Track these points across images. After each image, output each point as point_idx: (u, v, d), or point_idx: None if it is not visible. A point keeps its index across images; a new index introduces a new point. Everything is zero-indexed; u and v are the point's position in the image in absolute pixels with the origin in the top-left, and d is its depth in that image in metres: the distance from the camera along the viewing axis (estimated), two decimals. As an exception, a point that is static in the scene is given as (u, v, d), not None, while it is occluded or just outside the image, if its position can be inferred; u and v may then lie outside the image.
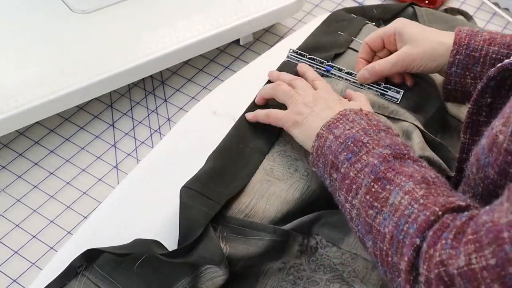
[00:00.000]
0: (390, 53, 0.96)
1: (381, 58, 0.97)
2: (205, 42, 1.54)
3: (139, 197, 0.87)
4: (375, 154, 0.72)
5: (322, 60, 1.00)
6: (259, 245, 0.78)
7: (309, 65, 0.99)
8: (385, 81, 0.98)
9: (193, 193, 0.82)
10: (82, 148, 1.47)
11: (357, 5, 1.77)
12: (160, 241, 0.79)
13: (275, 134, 0.90)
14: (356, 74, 0.98)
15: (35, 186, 1.40)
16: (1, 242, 1.32)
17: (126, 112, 1.54)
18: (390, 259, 0.65)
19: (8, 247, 1.31)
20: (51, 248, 1.31)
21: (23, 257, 1.30)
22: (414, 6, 1.17)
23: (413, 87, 0.99)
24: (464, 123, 0.76)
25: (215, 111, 0.96)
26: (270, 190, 0.85)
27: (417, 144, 0.90)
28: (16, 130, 1.45)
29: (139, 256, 0.76)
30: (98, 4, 1.58)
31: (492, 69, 0.71)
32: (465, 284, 0.55)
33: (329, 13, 1.14)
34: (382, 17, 1.14)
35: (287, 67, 0.99)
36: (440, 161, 0.90)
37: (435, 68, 0.93)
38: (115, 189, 0.91)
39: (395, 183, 0.68)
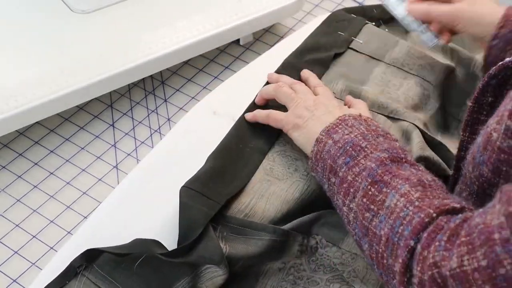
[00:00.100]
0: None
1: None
2: (205, 42, 1.54)
3: (139, 197, 0.87)
4: (372, 158, 0.72)
5: None
6: (259, 245, 0.79)
7: None
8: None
9: (193, 193, 0.82)
10: (82, 148, 1.47)
11: (357, 5, 1.77)
12: (160, 241, 0.79)
13: (275, 134, 0.90)
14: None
15: (35, 186, 1.40)
16: (1, 242, 1.32)
17: (126, 112, 1.54)
18: (385, 261, 0.65)
19: (8, 247, 1.31)
20: (51, 248, 1.31)
21: (23, 257, 1.30)
22: (414, 6, 1.16)
23: (413, 87, 0.99)
24: (464, 121, 0.76)
25: (215, 111, 0.96)
26: (270, 190, 0.85)
27: (417, 144, 0.90)
28: (16, 130, 1.45)
29: (139, 256, 0.76)
30: (98, 4, 1.58)
31: (494, 67, 0.71)
32: (457, 285, 0.55)
33: (329, 13, 1.14)
34: (382, 17, 1.14)
35: (287, 69, 0.99)
36: (440, 160, 0.90)
37: (479, 33, 0.93)
38: (115, 189, 0.91)
39: (391, 186, 0.68)
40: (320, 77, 0.98)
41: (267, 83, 0.97)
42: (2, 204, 1.37)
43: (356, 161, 0.73)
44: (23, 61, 1.47)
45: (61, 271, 0.77)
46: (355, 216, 0.70)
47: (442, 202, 0.64)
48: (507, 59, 0.69)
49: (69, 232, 1.33)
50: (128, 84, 1.56)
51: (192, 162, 0.87)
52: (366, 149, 0.74)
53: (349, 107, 0.90)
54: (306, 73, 0.97)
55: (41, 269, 1.25)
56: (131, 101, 1.56)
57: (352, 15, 1.12)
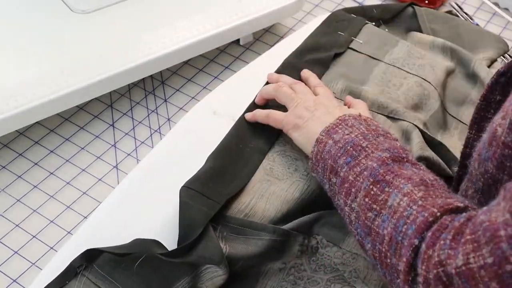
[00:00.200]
0: None
1: None
2: (205, 42, 1.54)
3: (139, 197, 0.87)
4: (374, 158, 0.72)
5: None
6: (259, 245, 0.78)
7: None
8: None
9: (193, 192, 0.82)
10: (82, 148, 1.47)
11: (357, 5, 1.76)
12: (160, 241, 0.79)
13: (275, 134, 0.90)
14: None
15: (35, 186, 1.40)
16: (1, 242, 1.32)
17: (126, 112, 1.54)
18: (389, 260, 0.65)
19: (8, 247, 1.31)
20: (51, 248, 1.31)
21: (23, 257, 1.30)
22: (414, 6, 1.17)
23: (413, 87, 0.98)
24: (472, 118, 0.76)
25: (215, 111, 0.96)
26: (270, 190, 0.85)
27: (417, 144, 0.90)
28: (16, 130, 1.45)
29: (139, 256, 0.76)
30: (98, 4, 1.58)
31: (503, 64, 0.71)
32: (463, 283, 0.55)
33: (329, 13, 1.14)
34: (382, 17, 1.14)
35: (287, 69, 0.99)
36: (440, 160, 0.90)
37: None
38: (115, 189, 0.91)
39: (394, 186, 0.68)
40: (320, 77, 0.98)
41: (267, 83, 0.97)
42: (2, 204, 1.37)
43: (357, 161, 0.73)
44: (23, 61, 1.47)
45: (61, 271, 0.77)
46: (357, 216, 0.70)
47: (446, 201, 0.63)
48: None
49: (69, 232, 1.33)
50: (128, 84, 1.56)
51: (192, 162, 0.87)
52: (367, 148, 0.74)
53: (349, 107, 0.90)
54: (306, 73, 0.97)
55: (41, 269, 1.25)
56: (131, 101, 1.56)
57: (352, 15, 1.12)
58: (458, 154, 0.83)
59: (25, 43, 1.50)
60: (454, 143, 0.96)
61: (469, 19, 1.29)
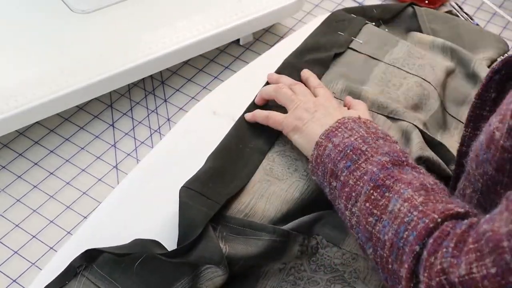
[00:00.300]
0: None
1: None
2: (205, 42, 1.54)
3: (139, 197, 0.87)
4: (374, 162, 0.72)
5: None
6: (259, 245, 0.78)
7: None
8: None
9: (192, 193, 0.82)
10: (82, 148, 1.47)
11: (357, 5, 1.76)
12: (160, 241, 0.79)
13: (274, 134, 0.90)
14: None
15: (35, 186, 1.40)
16: (1, 242, 1.32)
17: (126, 112, 1.54)
18: (390, 266, 0.65)
19: (8, 247, 1.31)
20: (51, 248, 1.31)
21: (23, 257, 1.30)
22: (414, 6, 1.17)
23: (413, 87, 0.98)
24: (467, 116, 0.76)
25: (215, 111, 0.96)
26: (270, 190, 0.85)
27: (417, 144, 0.90)
28: (16, 130, 1.45)
29: (138, 256, 0.76)
30: (98, 4, 1.58)
31: (498, 61, 0.71)
32: None
33: (329, 13, 1.14)
34: (382, 17, 1.14)
35: (287, 69, 0.99)
36: (440, 160, 0.90)
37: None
38: (115, 189, 0.91)
39: (394, 191, 0.68)
40: (320, 77, 0.98)
41: (267, 83, 0.97)
42: (2, 204, 1.37)
43: (357, 165, 0.73)
44: (23, 61, 1.47)
45: (61, 271, 0.77)
46: (358, 220, 0.70)
47: (446, 206, 0.63)
48: (511, 53, 0.69)
49: (69, 232, 1.33)
50: (128, 84, 1.55)
51: (192, 162, 0.87)
52: (366, 152, 0.74)
53: (348, 108, 0.90)
54: (306, 73, 0.97)
55: (41, 269, 1.25)
56: (131, 101, 1.56)
57: (352, 15, 1.12)
58: (457, 154, 0.83)
59: (25, 43, 1.50)
60: (454, 143, 0.96)
61: (469, 19, 1.30)
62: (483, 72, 1.04)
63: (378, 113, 0.94)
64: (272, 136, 0.90)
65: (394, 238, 0.64)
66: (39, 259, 1.30)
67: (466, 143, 0.76)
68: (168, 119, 1.53)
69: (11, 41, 1.51)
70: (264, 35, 1.71)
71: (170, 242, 0.80)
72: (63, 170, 1.43)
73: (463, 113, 1.02)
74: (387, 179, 0.69)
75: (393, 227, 0.65)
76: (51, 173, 1.42)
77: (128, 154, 1.46)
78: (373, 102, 0.95)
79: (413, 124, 0.93)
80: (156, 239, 0.79)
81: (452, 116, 1.01)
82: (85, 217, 1.35)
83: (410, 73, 1.00)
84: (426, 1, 1.71)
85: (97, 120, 1.52)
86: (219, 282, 0.76)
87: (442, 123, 1.00)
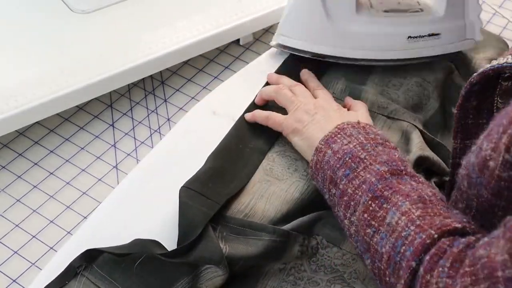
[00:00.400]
0: None
1: None
2: (205, 42, 1.54)
3: (139, 197, 0.87)
4: (372, 171, 0.72)
5: None
6: (259, 245, 0.78)
7: None
8: None
9: (192, 193, 0.82)
10: (82, 148, 1.47)
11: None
12: (160, 241, 0.79)
13: (274, 134, 0.90)
14: None
15: (35, 186, 1.40)
16: (1, 242, 1.32)
17: (126, 112, 1.54)
18: (387, 279, 0.66)
19: (8, 247, 1.31)
20: (51, 248, 1.31)
21: (23, 257, 1.30)
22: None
23: (413, 87, 0.98)
24: (453, 129, 0.76)
25: (215, 111, 0.96)
26: (270, 190, 0.85)
27: (417, 144, 0.90)
28: (16, 130, 1.45)
29: (138, 256, 0.76)
30: (98, 4, 1.58)
31: (475, 74, 0.71)
32: None
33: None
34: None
35: (287, 70, 0.99)
36: (440, 160, 0.90)
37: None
38: (115, 189, 0.91)
39: (392, 202, 0.68)
40: (320, 77, 0.98)
41: (267, 83, 0.97)
42: (2, 204, 1.37)
43: (355, 173, 0.73)
44: (23, 61, 1.47)
45: (61, 271, 0.77)
46: (357, 230, 0.71)
47: (444, 222, 0.64)
48: (488, 66, 0.69)
49: (69, 232, 1.33)
50: (128, 84, 1.56)
51: (192, 162, 0.87)
52: (365, 160, 0.74)
53: (348, 109, 0.90)
54: (305, 74, 0.97)
55: (41, 269, 1.25)
56: (131, 101, 1.56)
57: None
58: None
59: (25, 43, 1.50)
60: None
61: (469, 19, 1.29)
62: (484, 72, 1.03)
63: (378, 113, 0.94)
64: (272, 136, 0.90)
65: (392, 252, 0.65)
66: (39, 259, 1.30)
67: (458, 155, 0.76)
68: (168, 119, 1.53)
69: (11, 41, 1.51)
70: (264, 35, 1.71)
71: (170, 242, 0.80)
72: (63, 170, 1.43)
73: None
74: (385, 190, 0.70)
75: (390, 240, 0.66)
76: (51, 173, 1.42)
77: (128, 154, 1.46)
78: (373, 102, 0.95)
79: (413, 124, 0.93)
80: (156, 239, 0.79)
81: (452, 116, 1.01)
82: (85, 217, 1.35)
83: (410, 73, 1.00)
84: (426, 1, 1.71)
85: (97, 120, 1.53)
86: (219, 282, 0.76)
87: (442, 123, 1.00)
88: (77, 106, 1.52)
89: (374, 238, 0.68)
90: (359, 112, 0.88)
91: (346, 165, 0.75)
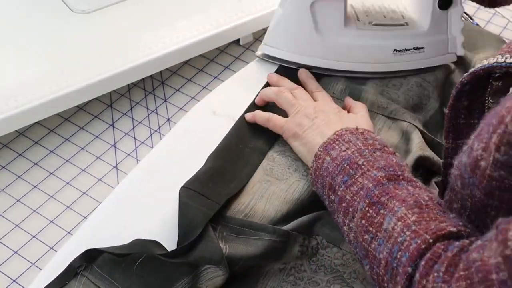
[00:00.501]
0: None
1: None
2: (205, 42, 1.54)
3: (139, 197, 0.87)
4: (369, 177, 0.72)
5: None
6: (259, 245, 0.78)
7: None
8: None
9: (192, 193, 0.82)
10: (82, 148, 1.47)
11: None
12: (160, 241, 0.79)
13: (274, 134, 0.90)
14: None
15: (35, 186, 1.40)
16: (1, 242, 1.32)
17: (126, 112, 1.54)
18: (386, 284, 0.66)
19: (8, 247, 1.31)
20: (51, 248, 1.31)
21: (23, 257, 1.30)
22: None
23: (413, 87, 0.98)
24: (445, 129, 0.76)
25: (215, 111, 0.96)
26: (270, 190, 0.85)
27: (417, 144, 0.90)
28: (16, 130, 1.45)
29: (138, 256, 0.76)
30: (98, 4, 1.58)
31: (465, 74, 0.71)
32: None
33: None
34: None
35: (287, 71, 0.99)
36: (440, 161, 0.90)
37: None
38: (115, 189, 0.91)
39: (388, 208, 0.68)
40: (320, 77, 0.98)
41: (267, 84, 0.97)
42: (2, 204, 1.37)
43: (353, 179, 0.73)
44: (23, 61, 1.47)
45: (61, 271, 0.77)
46: (355, 236, 0.71)
47: (439, 226, 0.64)
48: (478, 65, 0.70)
49: (69, 232, 1.33)
50: (128, 84, 1.56)
51: (192, 162, 0.87)
52: (363, 166, 0.74)
53: (348, 111, 0.90)
54: (303, 73, 0.96)
55: (41, 269, 1.25)
56: (131, 101, 1.56)
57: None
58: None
59: (25, 43, 1.50)
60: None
61: (469, 19, 1.29)
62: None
63: (378, 113, 0.94)
64: (272, 136, 0.90)
65: (389, 258, 0.65)
66: (39, 259, 1.30)
67: (450, 155, 0.77)
68: (168, 119, 1.53)
69: (11, 41, 1.51)
70: (264, 35, 1.71)
71: (170, 242, 0.80)
72: (63, 170, 1.43)
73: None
74: (382, 195, 0.70)
75: (387, 246, 0.66)
76: (51, 173, 1.42)
77: (128, 154, 1.46)
78: (373, 102, 0.95)
79: (413, 124, 0.93)
80: (156, 239, 0.79)
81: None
82: (85, 217, 1.35)
83: (410, 73, 1.00)
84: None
85: (97, 120, 1.53)
86: (219, 282, 0.77)
87: (442, 123, 1.00)
88: (77, 106, 1.52)
89: (372, 244, 0.68)
90: (359, 115, 0.88)
91: (344, 172, 0.75)
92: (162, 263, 0.76)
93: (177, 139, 0.95)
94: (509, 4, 0.93)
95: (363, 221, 0.70)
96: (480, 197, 0.62)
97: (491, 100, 0.73)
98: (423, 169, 0.89)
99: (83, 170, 1.43)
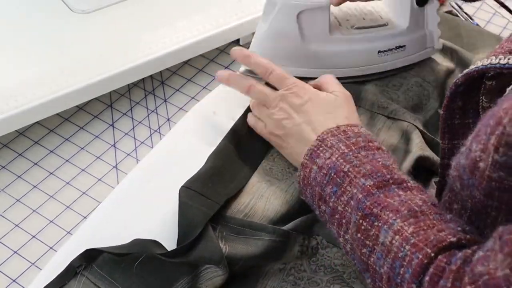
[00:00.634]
0: None
1: None
2: (205, 42, 1.55)
3: (139, 197, 0.87)
4: (358, 186, 0.71)
5: None
6: (259, 245, 0.78)
7: None
8: None
9: (192, 193, 0.82)
10: (82, 148, 1.47)
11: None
12: (160, 241, 0.79)
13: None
14: None
15: (34, 186, 1.40)
16: (1, 242, 1.32)
17: (126, 112, 1.54)
18: None
19: (8, 247, 1.31)
20: (51, 248, 1.31)
21: (23, 257, 1.30)
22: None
23: (413, 87, 0.99)
24: (440, 130, 0.76)
25: (215, 111, 0.96)
26: (270, 190, 0.85)
27: (417, 144, 0.90)
28: (16, 130, 1.46)
29: (138, 256, 0.76)
30: (98, 4, 1.58)
31: (459, 76, 0.71)
32: None
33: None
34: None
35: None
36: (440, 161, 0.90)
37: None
38: (114, 189, 0.91)
39: (382, 220, 0.67)
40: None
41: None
42: (2, 204, 1.37)
43: (342, 189, 0.73)
44: (23, 61, 1.47)
45: (61, 271, 0.77)
46: (352, 248, 0.70)
47: (439, 237, 0.63)
48: (472, 67, 0.70)
49: (68, 232, 1.33)
50: (128, 84, 1.56)
51: (192, 162, 0.87)
52: (349, 173, 0.73)
53: (319, 89, 0.87)
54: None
55: (40, 269, 1.25)
56: (131, 101, 1.56)
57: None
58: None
59: (25, 43, 1.50)
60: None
61: (469, 19, 1.29)
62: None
63: (378, 113, 0.94)
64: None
65: (391, 273, 0.65)
66: (39, 259, 1.30)
67: (446, 155, 0.76)
68: (168, 119, 1.53)
69: (11, 41, 1.51)
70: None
71: (170, 242, 0.80)
72: (63, 170, 1.43)
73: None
74: (374, 206, 0.69)
75: (387, 261, 0.65)
76: (51, 173, 1.42)
77: (128, 154, 1.46)
78: (373, 102, 0.95)
79: (413, 124, 0.93)
80: (156, 239, 0.79)
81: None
82: (85, 217, 1.35)
83: (410, 73, 1.01)
84: (426, 1, 1.71)
85: (97, 120, 1.53)
86: (219, 282, 0.77)
87: (442, 123, 1.00)
88: (77, 106, 1.52)
89: (371, 258, 0.67)
90: (334, 94, 0.85)
91: (332, 181, 0.74)
92: (162, 263, 0.76)
93: (177, 139, 0.95)
94: None
95: (359, 235, 0.69)
96: (480, 198, 0.62)
97: (484, 100, 0.73)
98: (423, 169, 0.89)
99: (83, 170, 1.43)
